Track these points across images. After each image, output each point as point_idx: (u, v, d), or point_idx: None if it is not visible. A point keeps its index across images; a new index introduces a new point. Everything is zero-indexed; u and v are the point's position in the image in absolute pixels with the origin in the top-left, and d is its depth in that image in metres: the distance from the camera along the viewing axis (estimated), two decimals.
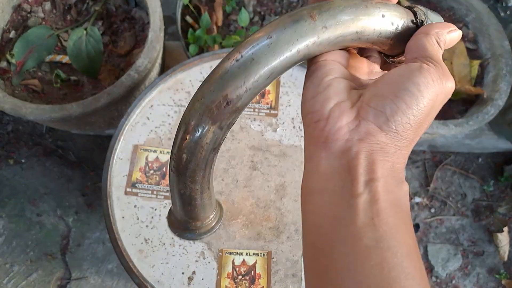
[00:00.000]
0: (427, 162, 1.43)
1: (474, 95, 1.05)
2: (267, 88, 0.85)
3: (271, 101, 0.84)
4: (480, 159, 1.45)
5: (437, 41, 0.32)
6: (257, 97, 0.84)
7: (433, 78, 0.29)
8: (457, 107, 1.07)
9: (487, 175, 1.43)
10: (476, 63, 1.06)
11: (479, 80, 1.08)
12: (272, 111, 0.84)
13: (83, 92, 1.02)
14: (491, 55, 1.06)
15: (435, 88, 0.29)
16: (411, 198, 1.40)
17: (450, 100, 1.07)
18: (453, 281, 1.34)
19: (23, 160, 1.31)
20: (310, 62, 0.34)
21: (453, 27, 0.33)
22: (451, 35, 0.33)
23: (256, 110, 0.84)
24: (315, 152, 0.31)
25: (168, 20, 1.16)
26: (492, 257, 1.37)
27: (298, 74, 0.86)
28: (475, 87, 1.04)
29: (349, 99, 0.31)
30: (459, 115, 1.06)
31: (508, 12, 1.53)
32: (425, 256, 1.36)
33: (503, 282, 1.34)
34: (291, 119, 0.83)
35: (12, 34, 1.04)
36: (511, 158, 1.43)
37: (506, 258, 1.35)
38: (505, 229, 1.36)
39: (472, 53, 1.09)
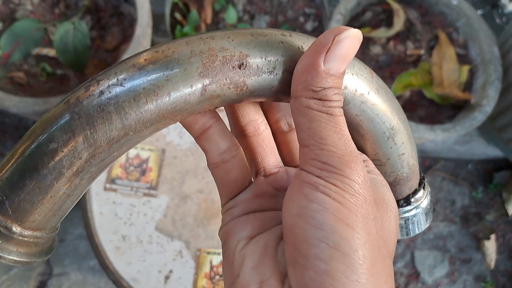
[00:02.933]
0: None
1: (463, 100, 1.05)
2: None
3: None
4: (469, 166, 1.44)
5: (313, 101, 0.20)
6: None
7: (330, 192, 0.19)
8: (445, 112, 1.06)
9: (476, 182, 1.43)
10: (466, 68, 1.05)
11: (468, 86, 1.07)
12: None
13: (68, 86, 1.01)
14: (481, 61, 1.06)
15: (345, 205, 0.19)
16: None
17: (439, 105, 1.06)
18: None
19: (7, 153, 1.30)
20: (223, 221, 0.26)
21: (328, 38, 0.19)
22: (336, 53, 0.19)
23: None
24: None
25: (160, 17, 1.15)
26: (479, 264, 1.36)
27: None
28: (463, 93, 1.04)
29: (276, 270, 0.21)
30: (447, 120, 1.05)
31: (503, 19, 1.53)
32: (412, 262, 1.35)
33: None
34: None
35: None
36: (500, 165, 1.43)
37: (492, 266, 1.34)
38: (492, 236, 1.35)
39: (462, 58, 1.09)
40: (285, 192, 0.23)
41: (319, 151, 0.20)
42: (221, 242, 0.25)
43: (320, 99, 0.20)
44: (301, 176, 0.20)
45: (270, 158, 0.27)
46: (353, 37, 0.19)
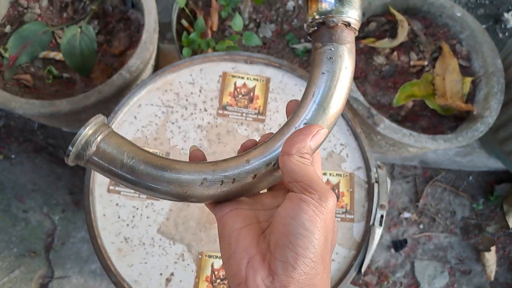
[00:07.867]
0: (417, 177, 1.43)
1: (465, 111, 1.05)
2: (256, 93, 0.85)
3: (259, 106, 0.84)
4: (470, 177, 1.44)
5: (301, 158, 0.34)
6: (245, 102, 0.84)
7: (315, 209, 0.31)
8: (448, 123, 1.07)
9: (477, 194, 1.43)
10: (468, 80, 1.06)
11: (470, 97, 1.08)
12: (259, 117, 0.83)
13: (74, 89, 1.02)
14: (483, 73, 1.07)
15: (320, 217, 0.31)
16: (400, 213, 1.39)
17: (441, 115, 1.07)
18: None
19: (13, 156, 1.30)
20: (217, 214, 0.37)
21: (314, 130, 0.34)
22: (315, 139, 0.34)
23: (244, 114, 0.83)
24: None
25: (167, 26, 1.16)
26: (479, 276, 1.36)
27: (287, 81, 0.86)
28: (466, 104, 1.04)
29: (259, 251, 0.33)
30: (449, 131, 1.06)
31: (506, 34, 1.54)
32: (412, 272, 1.35)
33: None
34: (278, 125, 0.83)
35: (7, 28, 1.04)
36: (501, 177, 1.43)
37: (492, 278, 1.34)
38: (493, 248, 1.35)
39: (465, 70, 1.10)
40: (252, 198, 0.38)
41: (309, 183, 0.33)
42: (218, 224, 0.37)
43: (303, 158, 0.34)
44: (300, 196, 0.32)
45: None
46: (325, 133, 0.35)
